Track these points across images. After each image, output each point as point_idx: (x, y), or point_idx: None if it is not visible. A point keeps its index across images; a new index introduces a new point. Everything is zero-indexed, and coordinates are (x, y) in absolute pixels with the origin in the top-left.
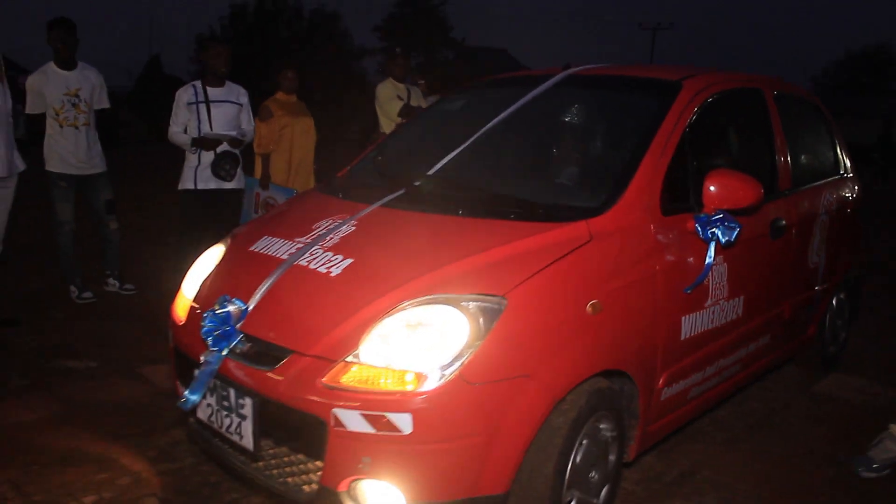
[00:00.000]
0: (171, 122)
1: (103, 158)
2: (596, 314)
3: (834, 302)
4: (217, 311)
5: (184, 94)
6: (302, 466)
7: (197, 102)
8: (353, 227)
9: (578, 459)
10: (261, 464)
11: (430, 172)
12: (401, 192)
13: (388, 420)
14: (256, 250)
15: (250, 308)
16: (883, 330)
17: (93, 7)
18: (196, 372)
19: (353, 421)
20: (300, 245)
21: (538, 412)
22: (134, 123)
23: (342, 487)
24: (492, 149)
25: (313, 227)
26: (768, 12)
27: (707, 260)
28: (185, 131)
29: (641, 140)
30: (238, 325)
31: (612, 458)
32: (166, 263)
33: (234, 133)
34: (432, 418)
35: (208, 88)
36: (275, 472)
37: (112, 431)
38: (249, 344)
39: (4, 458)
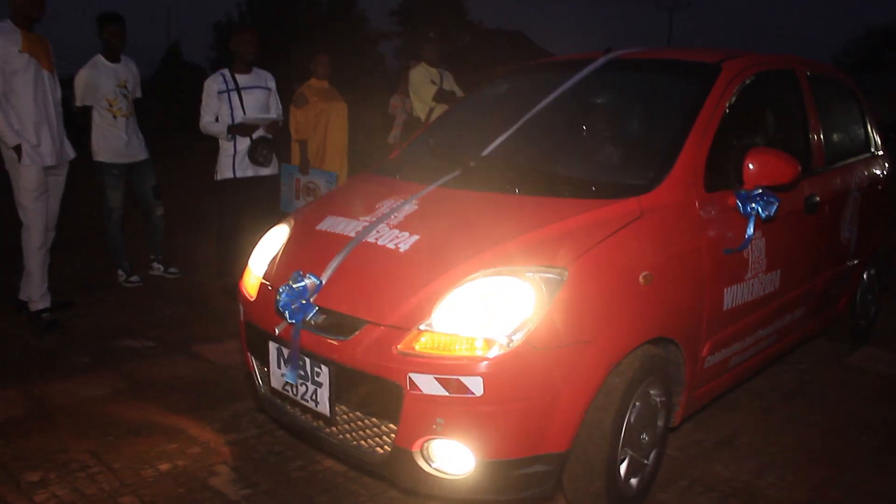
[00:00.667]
0: (202, 113)
1: (146, 146)
2: (647, 284)
3: (865, 277)
4: (293, 286)
5: (213, 84)
6: (375, 430)
7: (228, 90)
8: (416, 206)
9: (633, 420)
10: (335, 428)
11: (484, 153)
12: (457, 172)
13: (460, 383)
14: (324, 229)
15: (323, 282)
16: None
17: None
18: (285, 351)
19: (428, 384)
20: (366, 223)
21: (597, 375)
22: (156, 110)
23: (416, 447)
24: (541, 130)
25: (376, 206)
26: None
27: (747, 233)
28: (217, 120)
29: (685, 120)
30: (313, 299)
31: (659, 423)
32: (206, 248)
33: (272, 115)
34: (501, 381)
35: (237, 75)
36: (349, 435)
37: (176, 406)
38: (324, 316)
39: (80, 429)
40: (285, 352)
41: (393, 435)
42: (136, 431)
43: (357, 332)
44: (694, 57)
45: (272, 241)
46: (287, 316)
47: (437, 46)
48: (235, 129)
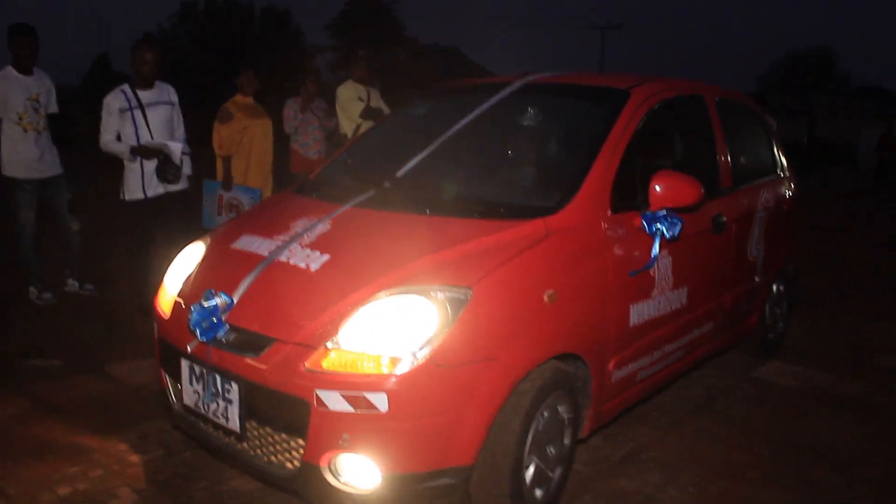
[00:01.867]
0: (102, 131)
1: (60, 160)
2: (552, 303)
3: (773, 293)
4: (204, 304)
5: (114, 102)
6: (285, 445)
7: (131, 108)
8: (329, 226)
9: (540, 428)
10: (246, 444)
11: (399, 174)
12: (371, 192)
13: (366, 399)
14: (238, 247)
15: (235, 301)
16: (820, 322)
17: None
18: (197, 368)
19: (334, 401)
20: (279, 243)
21: (501, 392)
22: (82, 122)
23: (323, 462)
24: (455, 152)
25: (290, 225)
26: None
27: (652, 252)
28: (119, 138)
29: (593, 144)
30: (224, 317)
31: (566, 441)
32: (123, 264)
33: (179, 143)
34: (406, 398)
35: (139, 92)
36: (259, 451)
37: (82, 427)
38: (235, 334)
39: None
40: (197, 369)
41: (302, 450)
42: (36, 454)
43: (266, 350)
44: (606, 82)
45: (188, 259)
46: (198, 333)
47: (365, 63)
48: (139, 151)
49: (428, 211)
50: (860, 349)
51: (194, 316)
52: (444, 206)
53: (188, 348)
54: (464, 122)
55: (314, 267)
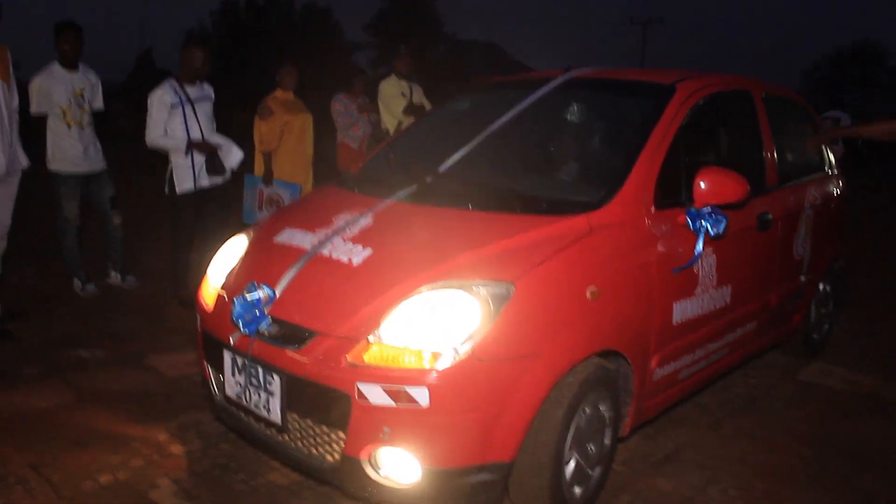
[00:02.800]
0: (150, 126)
1: (103, 156)
2: (595, 300)
3: (819, 292)
4: (247, 296)
5: (166, 96)
6: (325, 438)
7: (182, 103)
8: (371, 220)
9: (582, 425)
10: (287, 436)
11: (441, 169)
12: (414, 187)
13: (407, 394)
14: (281, 241)
15: (277, 294)
16: (866, 324)
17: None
18: (240, 360)
19: (375, 395)
20: (322, 236)
21: (542, 388)
22: (126, 117)
23: (364, 455)
24: (498, 147)
25: (333, 219)
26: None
27: (696, 250)
28: (165, 133)
29: (638, 140)
30: (266, 310)
31: (606, 440)
32: (165, 258)
33: (235, 146)
34: (447, 392)
35: (187, 87)
36: (300, 443)
37: (124, 417)
38: (277, 326)
39: (22, 442)
40: (239, 361)
41: (342, 443)
42: (80, 443)
43: (308, 343)
44: (650, 78)
45: (231, 252)
46: (240, 326)
47: (407, 59)
48: (196, 146)
49: (470, 206)
50: None
51: (237, 308)
52: (487, 201)
53: (231, 340)
54: (507, 117)
55: (356, 261)
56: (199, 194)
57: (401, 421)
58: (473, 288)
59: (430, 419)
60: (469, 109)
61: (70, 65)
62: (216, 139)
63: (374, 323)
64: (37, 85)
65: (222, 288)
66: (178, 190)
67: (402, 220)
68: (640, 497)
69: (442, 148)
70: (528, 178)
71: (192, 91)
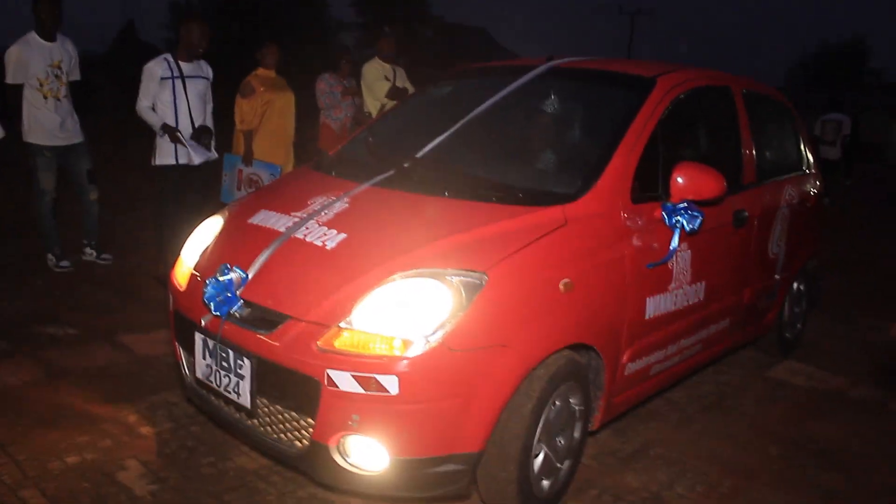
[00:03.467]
0: (140, 96)
1: (81, 128)
2: (568, 292)
3: (792, 291)
4: (219, 278)
5: (157, 68)
6: (294, 423)
7: (172, 77)
8: (347, 204)
9: (551, 417)
10: (256, 421)
11: (419, 155)
12: (391, 172)
13: (376, 381)
14: (255, 223)
15: (250, 276)
16: (836, 323)
17: None
18: (210, 342)
19: (345, 381)
20: (297, 219)
21: (512, 379)
22: (107, 89)
23: (332, 442)
24: (477, 134)
25: (308, 202)
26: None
27: (671, 245)
28: (153, 108)
29: (616, 132)
30: (238, 292)
31: (576, 434)
32: (142, 234)
33: (201, 150)
34: (416, 381)
35: (181, 63)
36: (269, 428)
37: (93, 396)
38: (248, 309)
39: None
40: (210, 343)
41: (311, 430)
42: (47, 422)
43: (279, 327)
44: (631, 70)
45: (206, 232)
46: (212, 308)
47: (391, 40)
48: (168, 130)
49: (446, 193)
50: (877, 352)
51: (209, 290)
52: (463, 188)
53: (202, 322)
54: (486, 104)
55: (330, 245)
56: (183, 169)
57: (370, 409)
58: (446, 277)
59: (399, 408)
60: (449, 95)
61: (48, 35)
62: (192, 143)
63: (346, 309)
64: (13, 55)
65: (195, 268)
66: (157, 161)
67: (378, 206)
68: (608, 492)
69: (421, 133)
70: (505, 166)
71: (186, 67)
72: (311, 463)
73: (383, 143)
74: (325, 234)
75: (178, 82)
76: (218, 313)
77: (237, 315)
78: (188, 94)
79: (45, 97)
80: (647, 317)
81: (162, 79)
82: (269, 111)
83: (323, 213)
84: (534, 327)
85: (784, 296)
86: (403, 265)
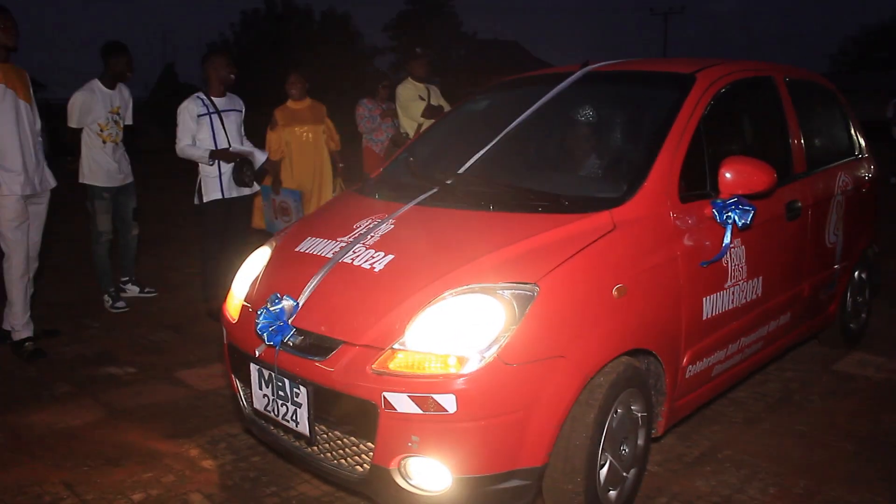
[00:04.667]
0: (179, 136)
1: (131, 169)
2: (621, 297)
3: (853, 280)
4: (270, 308)
5: (193, 106)
6: (354, 448)
7: (209, 114)
8: (392, 226)
9: (614, 425)
10: (315, 448)
11: (461, 171)
12: (434, 190)
13: (433, 401)
14: (302, 250)
15: (301, 304)
16: None
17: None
18: (266, 372)
19: (402, 403)
20: (343, 244)
21: (571, 390)
22: (151, 133)
23: (393, 465)
24: (517, 146)
25: (354, 226)
26: None
27: (724, 242)
28: (193, 143)
29: (659, 132)
30: (290, 321)
31: (640, 441)
32: (190, 271)
33: (257, 151)
34: (474, 398)
35: (214, 99)
36: (329, 454)
37: (154, 433)
38: (301, 337)
39: (56, 460)
40: (266, 373)
41: (371, 453)
42: (112, 461)
43: (333, 353)
44: (670, 67)
45: (254, 264)
46: (265, 338)
47: (424, 61)
48: (218, 155)
49: (491, 207)
50: None
51: (261, 320)
52: (508, 201)
53: (256, 352)
54: (524, 115)
55: (378, 268)
56: (226, 204)
57: (429, 429)
58: (497, 291)
59: (459, 426)
60: (486, 108)
61: (111, 84)
62: (241, 148)
63: (398, 330)
64: (78, 101)
65: (246, 300)
66: (205, 199)
67: (423, 225)
68: (678, 498)
69: (461, 149)
70: (548, 176)
71: (219, 102)
72: (374, 487)
73: (424, 162)
74: (373, 257)
75: (216, 118)
76: (272, 343)
77: (291, 343)
78: (226, 128)
79: (105, 142)
80: (704, 317)
81: (199, 116)
82: (294, 141)
83: (369, 237)
84: (589, 336)
85: (845, 286)
86: (453, 282)
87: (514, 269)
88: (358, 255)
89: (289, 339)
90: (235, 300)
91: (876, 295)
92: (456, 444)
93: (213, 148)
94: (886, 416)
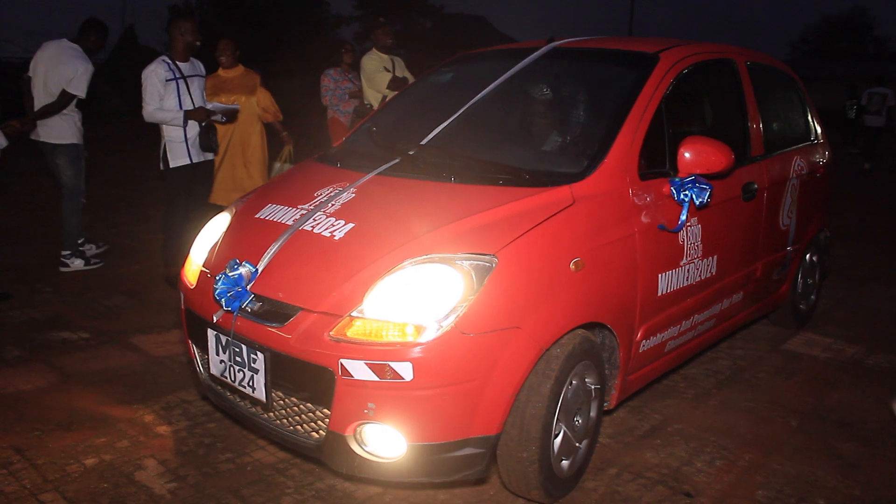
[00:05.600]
0: (146, 100)
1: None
2: (579, 271)
3: (805, 262)
4: (229, 274)
5: (160, 70)
6: (310, 415)
7: (175, 79)
8: (353, 195)
9: (569, 396)
10: (272, 414)
11: (423, 142)
12: (396, 161)
13: (390, 368)
14: (262, 217)
15: (259, 270)
16: (849, 293)
17: None
18: (223, 338)
19: (359, 370)
20: (304, 212)
21: (526, 360)
22: (110, 96)
23: (348, 431)
24: (480, 119)
25: (315, 194)
26: None
27: (680, 219)
28: (161, 107)
29: (620, 110)
30: (249, 287)
31: (592, 413)
32: (146, 237)
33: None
34: (430, 366)
35: (179, 64)
36: (285, 421)
37: (108, 399)
38: (260, 303)
39: (6, 425)
40: (223, 339)
41: (327, 420)
42: (64, 426)
43: (291, 319)
44: (634, 47)
45: (214, 229)
46: (223, 303)
47: (388, 31)
48: (194, 114)
49: (452, 179)
50: (890, 320)
51: (220, 286)
52: (469, 173)
53: (214, 318)
54: (488, 89)
55: (339, 236)
56: (192, 169)
57: (385, 396)
58: (456, 261)
59: (415, 394)
60: (451, 81)
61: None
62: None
63: (357, 298)
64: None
65: (205, 265)
66: (171, 164)
67: (385, 194)
68: (628, 470)
69: (424, 121)
70: (510, 149)
71: (184, 67)
72: (329, 453)
73: (387, 133)
74: (333, 225)
75: (182, 83)
76: (229, 308)
77: (249, 309)
78: (192, 93)
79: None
80: (659, 293)
81: (166, 80)
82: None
83: (330, 205)
84: (546, 308)
85: (796, 268)
86: (413, 252)
87: (473, 240)
88: (318, 223)
89: (247, 305)
90: (194, 266)
91: (825, 278)
92: (411, 411)
93: (181, 109)
94: (829, 393)
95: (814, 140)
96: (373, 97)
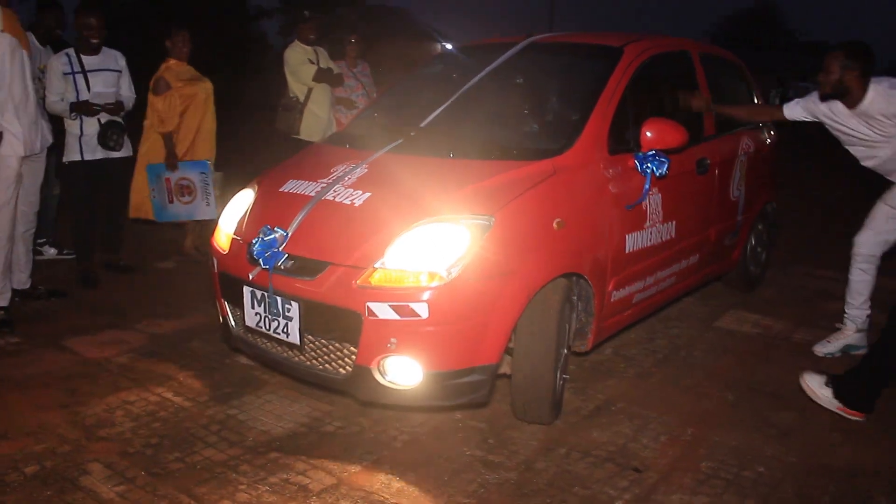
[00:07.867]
0: (47, 92)
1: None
2: (560, 229)
3: (754, 230)
4: (264, 238)
5: (57, 64)
6: (339, 353)
7: (73, 73)
8: (366, 169)
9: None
10: (304, 356)
11: (422, 125)
12: (399, 141)
13: (410, 308)
14: (286, 190)
15: (290, 234)
16: (776, 273)
17: None
18: (258, 293)
19: (383, 311)
20: (324, 185)
21: (520, 300)
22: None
23: (373, 364)
24: (471, 105)
25: (331, 171)
26: None
27: (644, 188)
28: (62, 101)
29: (591, 96)
30: (282, 248)
31: (565, 351)
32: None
33: (123, 96)
34: (442, 306)
35: (84, 57)
36: (316, 361)
37: (45, 403)
38: (292, 262)
39: None
40: (258, 293)
41: (354, 356)
42: (0, 434)
43: (322, 273)
44: (601, 41)
45: (240, 203)
46: (261, 262)
47: (312, 25)
48: (78, 108)
49: (451, 154)
50: (813, 297)
51: (257, 248)
52: (466, 150)
53: (250, 276)
54: (476, 78)
55: (358, 203)
56: (92, 165)
57: (405, 331)
58: (461, 221)
59: (429, 329)
60: (441, 72)
61: (43, 40)
62: (100, 125)
63: (378, 252)
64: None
65: (235, 234)
66: (64, 159)
67: (395, 168)
68: (576, 449)
69: (421, 107)
70: (499, 130)
71: (91, 61)
72: (355, 385)
73: (388, 118)
74: (352, 195)
75: (80, 77)
76: (267, 266)
77: (283, 267)
78: (91, 89)
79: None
80: (627, 251)
81: (64, 74)
82: (191, 106)
83: (346, 178)
84: (535, 258)
85: (747, 235)
86: (424, 214)
87: (474, 204)
88: (339, 194)
89: (281, 264)
90: (224, 234)
91: (773, 246)
92: (427, 344)
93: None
94: (761, 367)
95: (759, 123)
96: (298, 90)
